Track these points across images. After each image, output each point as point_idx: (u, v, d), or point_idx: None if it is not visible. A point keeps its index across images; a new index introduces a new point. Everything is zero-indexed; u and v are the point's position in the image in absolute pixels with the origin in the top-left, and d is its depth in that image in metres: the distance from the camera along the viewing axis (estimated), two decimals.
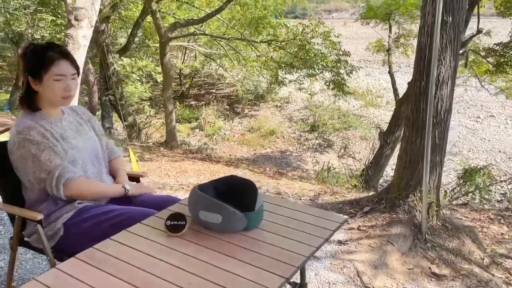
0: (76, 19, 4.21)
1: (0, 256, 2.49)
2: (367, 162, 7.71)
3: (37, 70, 1.65)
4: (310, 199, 4.29)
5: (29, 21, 10.48)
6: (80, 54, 4.24)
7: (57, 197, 1.65)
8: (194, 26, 9.88)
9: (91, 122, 1.93)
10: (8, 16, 10.58)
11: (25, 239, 1.80)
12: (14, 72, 14.10)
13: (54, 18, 10.58)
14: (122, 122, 10.56)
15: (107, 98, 10.07)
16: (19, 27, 10.67)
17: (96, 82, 10.98)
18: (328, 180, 6.74)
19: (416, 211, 2.83)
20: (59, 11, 10.66)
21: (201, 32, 10.15)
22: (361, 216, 2.99)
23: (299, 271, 1.55)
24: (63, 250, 1.65)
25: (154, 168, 6.13)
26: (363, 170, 7.20)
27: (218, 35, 10.27)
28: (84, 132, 1.83)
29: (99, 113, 11.23)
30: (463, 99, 13.96)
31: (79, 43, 4.21)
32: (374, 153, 7.57)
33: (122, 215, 1.62)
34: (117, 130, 11.35)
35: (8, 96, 13.44)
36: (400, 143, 3.52)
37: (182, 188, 4.48)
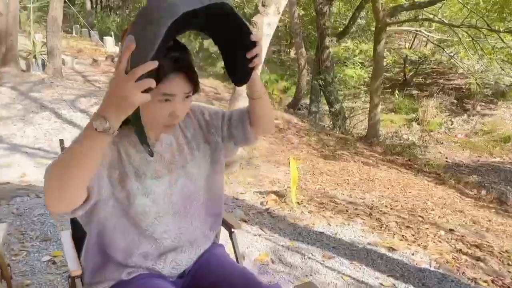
0: (263, 5, 3.97)
1: None
2: None
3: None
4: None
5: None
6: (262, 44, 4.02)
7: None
8: (420, 9, 8.52)
9: (207, 128, 1.33)
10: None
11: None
12: None
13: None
14: (329, 108, 10.36)
15: (316, 82, 9.92)
16: None
17: (307, 65, 11.01)
18: None
19: None
20: None
21: (426, 18, 8.69)
22: None
23: None
24: None
25: (336, 170, 5.58)
26: None
27: (449, 22, 8.62)
28: (179, 164, 1.25)
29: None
30: None
31: (262, 32, 3.96)
32: None
33: None
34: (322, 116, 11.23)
35: None
36: None
37: (346, 210, 3.76)
